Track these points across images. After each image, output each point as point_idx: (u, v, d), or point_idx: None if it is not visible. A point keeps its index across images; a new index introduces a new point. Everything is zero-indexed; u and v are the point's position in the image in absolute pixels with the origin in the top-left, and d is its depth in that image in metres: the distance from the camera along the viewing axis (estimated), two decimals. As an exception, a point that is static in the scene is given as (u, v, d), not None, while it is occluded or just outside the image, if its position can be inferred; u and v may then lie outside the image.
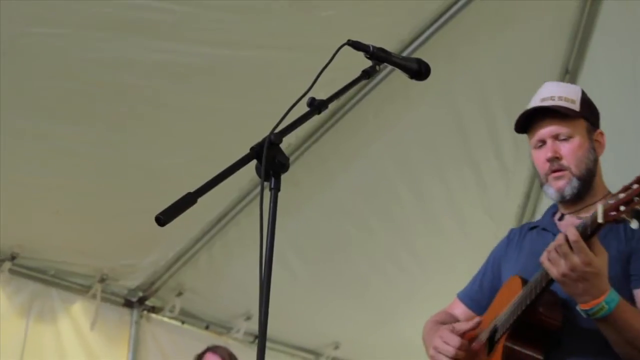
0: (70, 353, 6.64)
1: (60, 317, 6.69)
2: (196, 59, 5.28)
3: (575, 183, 3.14)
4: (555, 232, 3.16)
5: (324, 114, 6.01)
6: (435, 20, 5.74)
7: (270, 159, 2.29)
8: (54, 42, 4.98)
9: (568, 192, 3.15)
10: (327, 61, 2.53)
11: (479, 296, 3.46)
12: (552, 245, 2.74)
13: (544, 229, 3.28)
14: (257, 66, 5.42)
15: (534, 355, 2.95)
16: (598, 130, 3.26)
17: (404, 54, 5.49)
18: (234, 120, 5.58)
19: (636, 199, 2.57)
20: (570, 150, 3.15)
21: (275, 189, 2.30)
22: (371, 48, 2.69)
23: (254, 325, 7.14)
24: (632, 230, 2.86)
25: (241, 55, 5.33)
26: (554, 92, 3.24)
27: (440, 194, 6.62)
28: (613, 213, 2.60)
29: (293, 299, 6.78)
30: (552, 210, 3.35)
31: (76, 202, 6.07)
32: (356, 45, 2.65)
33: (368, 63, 2.75)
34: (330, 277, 7.02)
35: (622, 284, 2.92)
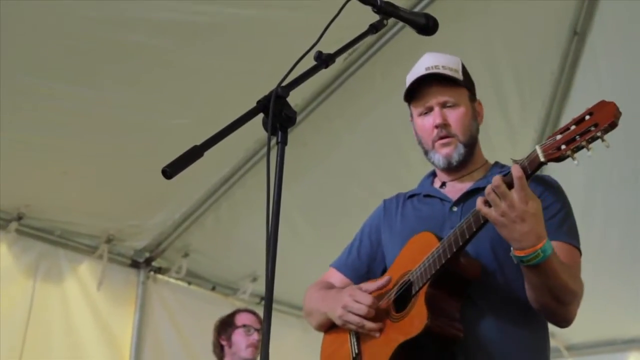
0: (76, 313, 6.67)
1: (67, 278, 6.71)
2: (202, 18, 5.25)
3: (461, 149, 3.21)
4: (442, 197, 3.26)
5: (330, 74, 6.01)
6: (444, -22, 5.71)
7: (277, 112, 2.27)
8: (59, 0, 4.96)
9: (455, 158, 3.22)
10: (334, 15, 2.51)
11: (357, 264, 3.51)
12: (488, 188, 2.74)
13: (428, 195, 3.34)
14: (264, 25, 5.39)
15: (454, 304, 2.97)
16: (477, 101, 3.34)
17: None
18: (241, 80, 5.56)
19: (578, 137, 2.60)
20: (457, 117, 3.21)
21: (282, 143, 2.28)
22: (379, 2, 2.69)
23: (260, 287, 7.16)
24: (536, 187, 2.93)
25: (248, 14, 5.30)
26: (438, 62, 3.26)
27: (447, 155, 6.59)
28: (552, 151, 2.66)
29: (298, 260, 6.77)
30: (429, 179, 3.43)
31: (83, 163, 6.07)
32: (364, -2, 2.63)
33: (376, 19, 2.74)
34: (336, 238, 6.95)
35: None
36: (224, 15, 5.26)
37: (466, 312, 2.98)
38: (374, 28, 2.69)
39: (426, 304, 2.93)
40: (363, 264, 3.50)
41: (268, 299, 2.19)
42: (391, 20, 2.79)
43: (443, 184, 3.34)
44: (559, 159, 2.66)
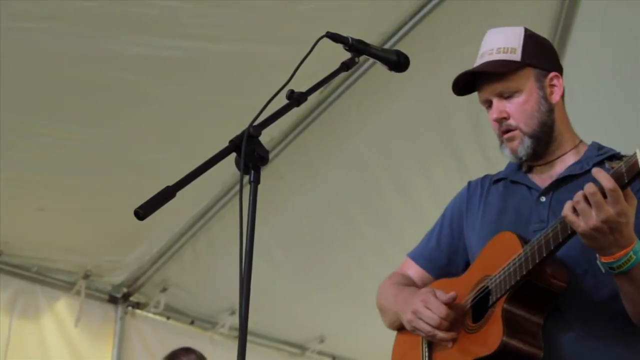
0: (54, 350, 6.61)
1: (44, 314, 6.66)
2: (177, 53, 5.29)
3: (527, 142, 2.91)
4: (529, 184, 2.97)
5: (306, 107, 6.05)
6: (416, 13, 5.72)
7: (249, 152, 2.28)
8: (38, 36, 4.99)
9: (522, 152, 2.93)
10: (306, 53, 2.53)
11: (435, 254, 3.23)
12: (579, 195, 2.46)
13: (514, 181, 3.03)
14: (238, 60, 5.42)
15: (534, 319, 2.71)
16: (551, 74, 2.98)
17: (385, 47, 5.48)
18: (216, 115, 5.57)
19: None
20: (517, 107, 2.92)
21: (255, 182, 2.29)
22: (350, 40, 2.70)
23: (239, 320, 7.14)
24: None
25: (222, 49, 5.33)
26: (494, 44, 2.99)
27: (423, 187, 6.60)
28: None
29: (278, 293, 6.78)
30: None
31: (60, 198, 6.05)
32: (335, 37, 2.65)
33: (348, 55, 2.75)
34: (314, 270, 7.02)
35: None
36: (199, 50, 5.30)
37: (550, 323, 2.72)
38: (345, 66, 2.70)
39: (502, 319, 2.67)
40: (442, 254, 3.20)
41: (242, 339, 2.20)
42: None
43: (530, 168, 3.02)
44: None
